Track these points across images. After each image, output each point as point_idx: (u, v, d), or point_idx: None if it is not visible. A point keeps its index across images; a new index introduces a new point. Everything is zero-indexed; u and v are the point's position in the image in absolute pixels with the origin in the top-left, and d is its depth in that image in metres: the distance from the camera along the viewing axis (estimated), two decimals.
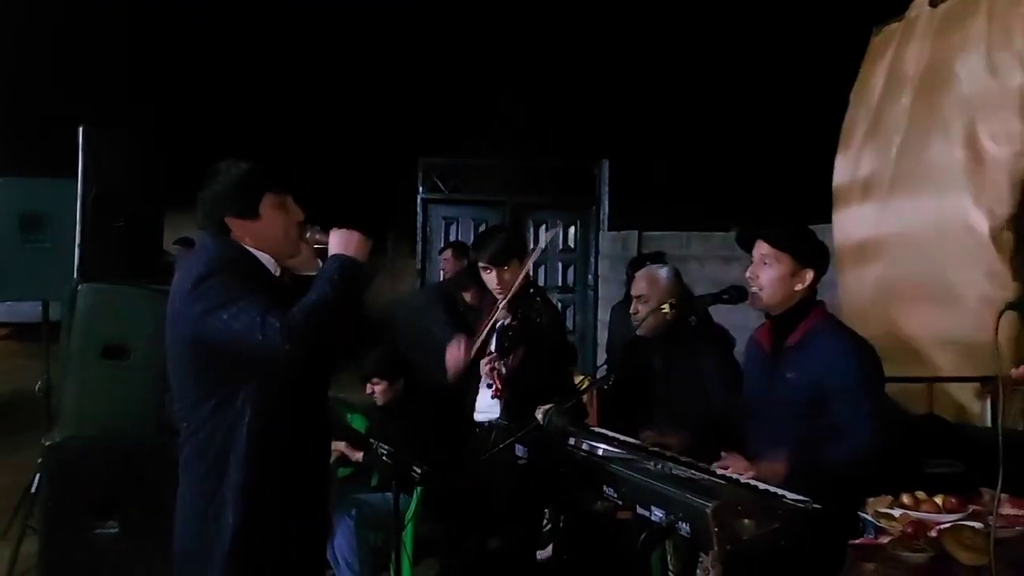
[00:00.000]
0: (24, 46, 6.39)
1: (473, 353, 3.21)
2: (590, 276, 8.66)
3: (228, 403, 2.09)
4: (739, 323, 3.37)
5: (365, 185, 7.61)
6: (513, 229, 3.91)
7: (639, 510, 2.16)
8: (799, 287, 2.61)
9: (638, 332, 3.37)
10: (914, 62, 4.88)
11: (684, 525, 2.02)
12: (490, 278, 3.27)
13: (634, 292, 3.46)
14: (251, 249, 2.20)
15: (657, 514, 2.09)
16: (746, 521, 1.99)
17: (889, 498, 3.01)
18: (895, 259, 4.83)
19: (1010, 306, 2.86)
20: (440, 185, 8.53)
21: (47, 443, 3.75)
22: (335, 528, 3.85)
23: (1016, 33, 4.23)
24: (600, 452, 2.40)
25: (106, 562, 3.61)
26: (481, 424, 3.31)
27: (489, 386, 3.15)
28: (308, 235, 2.29)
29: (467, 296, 4.34)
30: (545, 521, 3.59)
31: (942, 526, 2.69)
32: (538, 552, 3.79)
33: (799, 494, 2.16)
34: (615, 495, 2.27)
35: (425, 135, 8.04)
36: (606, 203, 8.61)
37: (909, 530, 2.72)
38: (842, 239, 5.31)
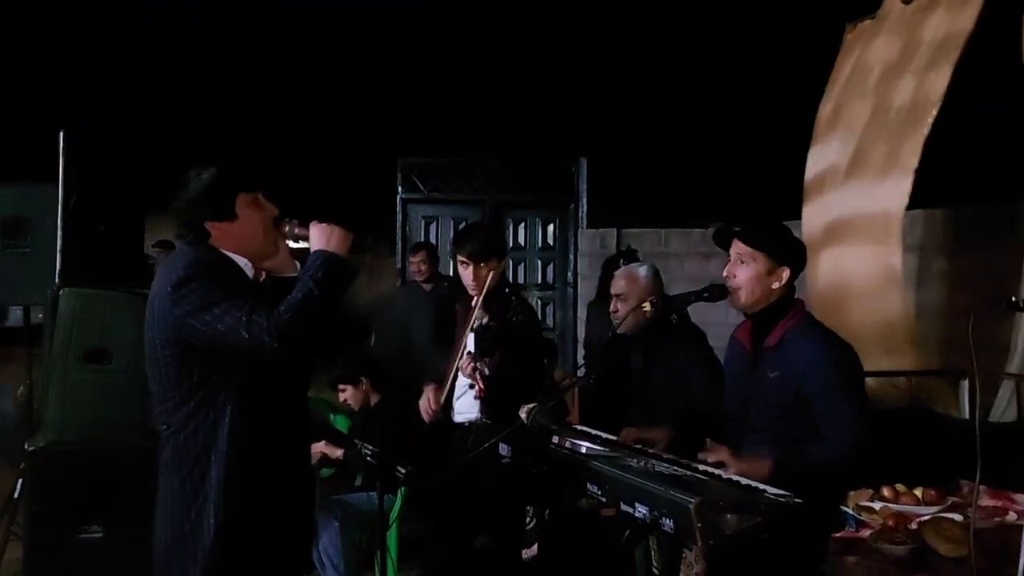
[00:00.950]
0: (2, 50, 6.32)
1: (445, 394, 3.24)
2: (569, 273, 8.70)
3: (209, 404, 2.11)
4: (719, 320, 3.43)
5: (345, 185, 7.60)
6: (495, 227, 3.94)
7: (623, 507, 2.20)
8: (776, 285, 2.64)
9: (618, 330, 3.42)
10: (879, 56, 4.98)
11: (668, 521, 2.06)
12: (466, 273, 3.29)
13: (614, 291, 3.49)
14: (228, 253, 2.22)
15: (641, 511, 2.13)
16: (729, 516, 2.03)
17: (870, 491, 3.07)
18: (848, 247, 4.93)
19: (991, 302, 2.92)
20: (419, 185, 8.55)
21: (30, 448, 3.74)
22: (320, 529, 3.88)
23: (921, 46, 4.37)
24: (583, 450, 2.44)
25: (90, 566, 3.60)
26: (462, 424, 3.34)
27: (472, 387, 3.18)
28: (287, 228, 2.31)
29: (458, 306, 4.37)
30: (529, 519, 3.65)
31: (922, 518, 2.75)
32: (524, 551, 3.85)
33: (784, 489, 2.20)
34: (599, 492, 2.31)
35: (404, 135, 8.04)
36: (584, 201, 8.66)
37: (890, 523, 2.78)
38: (807, 231, 5.41)
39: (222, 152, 2.59)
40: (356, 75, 7.62)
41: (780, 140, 6.18)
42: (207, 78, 7.16)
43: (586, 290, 8.12)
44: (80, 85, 6.41)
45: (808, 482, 2.38)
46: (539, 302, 8.53)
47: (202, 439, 2.11)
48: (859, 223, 4.82)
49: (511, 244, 8.62)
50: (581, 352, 7.44)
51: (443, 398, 3.34)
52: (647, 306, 2.88)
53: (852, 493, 3.06)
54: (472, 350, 3.23)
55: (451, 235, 7.83)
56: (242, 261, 2.24)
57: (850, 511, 2.89)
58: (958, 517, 2.68)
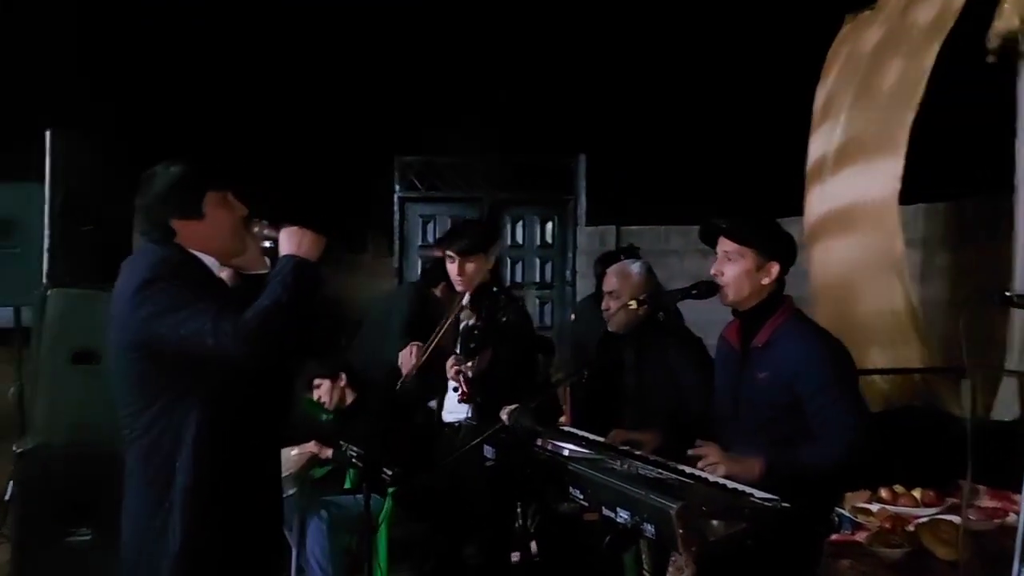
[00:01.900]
0: None
1: (427, 353, 3.18)
2: (568, 272, 8.65)
3: (173, 409, 2.05)
4: (711, 319, 3.36)
5: (341, 185, 7.57)
6: (485, 223, 3.88)
7: (605, 512, 2.16)
8: (765, 281, 2.59)
9: (609, 328, 3.38)
10: (869, 41, 4.93)
11: (649, 527, 2.01)
12: (452, 268, 3.23)
13: (605, 288, 3.44)
14: (195, 252, 2.16)
15: (623, 516, 2.08)
16: (712, 522, 1.98)
17: (867, 492, 3.02)
18: (847, 235, 4.87)
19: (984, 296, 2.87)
20: (416, 183, 8.50)
21: (18, 450, 3.71)
22: (307, 530, 3.84)
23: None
24: (565, 452, 2.39)
25: (79, 569, 3.58)
26: (451, 424, 3.29)
27: (455, 389, 3.13)
28: (256, 229, 2.25)
29: (437, 291, 4.31)
30: (517, 523, 3.59)
31: (920, 520, 2.70)
32: (512, 554, 3.80)
33: (773, 493, 2.15)
34: (581, 496, 2.26)
35: (401, 133, 8.00)
36: (583, 198, 8.61)
37: (886, 525, 2.73)
38: (808, 222, 5.36)
39: (194, 148, 2.54)
40: (352, 73, 7.58)
41: (782, 135, 6.12)
42: (198, 77, 7.12)
43: (585, 288, 8.07)
44: (67, 84, 6.38)
45: (801, 485, 2.32)
46: (537, 301, 8.49)
47: (166, 446, 2.05)
48: (855, 210, 4.75)
49: (509, 242, 8.58)
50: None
51: (424, 356, 3.27)
52: (633, 304, 2.83)
53: (849, 495, 3.01)
54: (457, 351, 3.18)
55: None
56: (209, 260, 2.18)
57: (846, 513, 2.84)
58: (957, 519, 2.63)
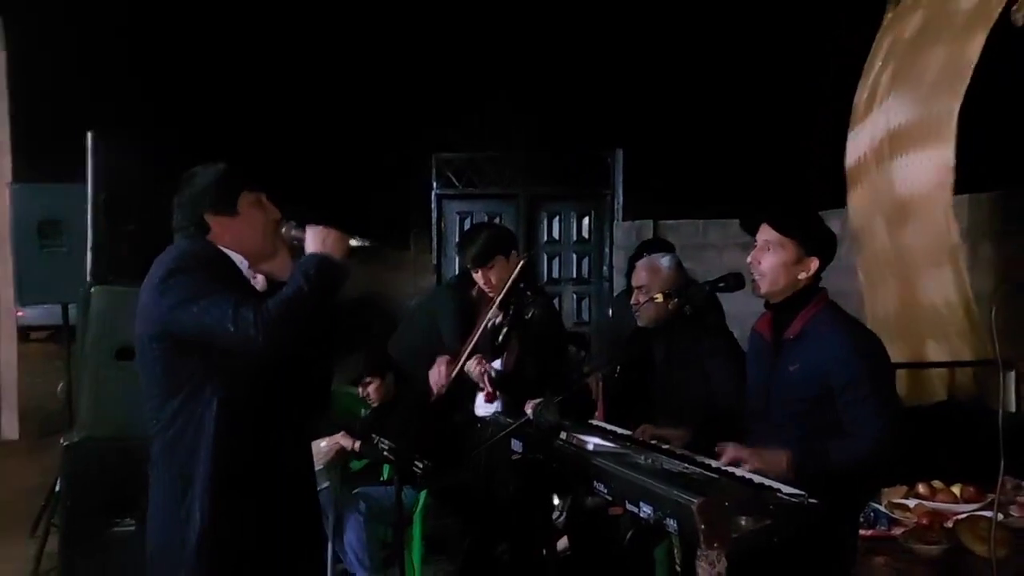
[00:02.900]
0: (36, 54, 6.48)
1: (457, 369, 3.19)
2: (605, 267, 8.62)
3: (195, 400, 2.07)
4: (748, 311, 3.32)
5: (382, 183, 7.64)
6: (495, 226, 3.87)
7: (628, 506, 2.15)
8: (803, 275, 2.54)
9: (639, 323, 3.36)
10: (912, 29, 4.81)
11: (672, 522, 2.00)
12: (477, 277, 3.25)
13: (635, 282, 3.42)
14: (225, 249, 2.19)
15: (646, 510, 2.08)
16: (735, 517, 1.96)
17: (904, 488, 2.96)
18: (900, 228, 4.76)
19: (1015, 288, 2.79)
20: (454, 180, 8.54)
21: (65, 443, 3.82)
22: (344, 522, 3.89)
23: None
24: (590, 447, 2.39)
25: (125, 559, 3.66)
26: (482, 419, 3.32)
27: (481, 389, 3.14)
28: (284, 230, 2.29)
29: (473, 292, 4.34)
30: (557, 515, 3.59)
31: (958, 517, 2.64)
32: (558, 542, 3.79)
33: (804, 488, 2.12)
34: (606, 491, 2.26)
35: (438, 131, 8.04)
36: (620, 193, 8.55)
37: (924, 521, 2.67)
38: (855, 217, 5.25)
39: (234, 149, 2.60)
40: (390, 71, 7.64)
41: (821, 129, 6.02)
42: (239, 78, 7.24)
43: (622, 283, 8.03)
44: (110, 87, 6.54)
45: (830, 480, 2.29)
46: (575, 296, 8.48)
47: (189, 437, 2.08)
48: (907, 202, 4.66)
49: (546, 238, 8.57)
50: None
51: (454, 372, 3.29)
52: (660, 297, 2.81)
53: (886, 490, 2.95)
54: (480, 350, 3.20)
55: None
56: (238, 259, 2.21)
57: (882, 509, 2.78)
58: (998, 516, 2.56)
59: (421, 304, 4.87)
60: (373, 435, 3.30)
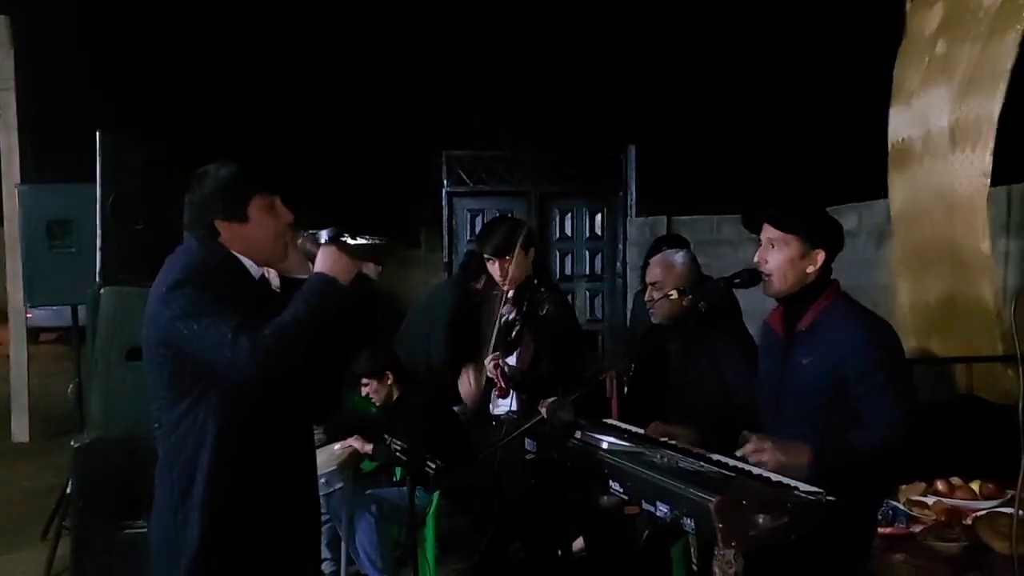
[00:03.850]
0: (45, 53, 6.48)
1: (484, 375, 3.15)
2: (619, 264, 8.56)
3: (199, 407, 2.07)
4: (756, 308, 3.28)
5: (393, 181, 7.63)
6: (515, 219, 3.85)
7: (645, 505, 2.11)
8: (811, 269, 2.50)
9: (653, 320, 3.31)
10: (931, 26, 4.71)
11: (689, 521, 1.96)
12: (493, 269, 3.22)
13: (648, 279, 3.37)
14: (236, 254, 2.18)
15: (662, 509, 2.03)
16: (753, 516, 1.91)
17: (922, 485, 2.90)
18: (928, 223, 4.67)
19: None
20: (464, 177, 8.50)
21: (75, 445, 3.81)
22: (356, 523, 3.86)
23: None
24: (604, 445, 2.34)
25: (136, 561, 3.64)
26: (496, 418, 3.28)
27: (495, 385, 3.11)
28: (299, 242, 2.27)
29: (478, 285, 4.30)
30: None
31: (978, 514, 2.58)
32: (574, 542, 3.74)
33: (821, 485, 2.08)
34: (621, 490, 2.21)
35: (449, 128, 8.02)
36: (633, 189, 8.49)
37: (942, 518, 2.62)
38: (901, 201, 5.11)
39: (244, 150, 2.57)
40: (401, 69, 7.63)
41: (836, 122, 5.96)
42: (250, 78, 7.24)
43: (636, 280, 7.97)
44: (119, 88, 6.54)
45: (849, 475, 2.24)
46: (588, 293, 8.43)
47: (192, 442, 2.07)
48: (942, 204, 4.57)
49: (558, 235, 8.53)
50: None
51: (483, 378, 3.26)
52: (675, 294, 2.76)
53: (904, 487, 2.90)
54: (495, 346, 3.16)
55: None
56: (248, 263, 2.20)
57: (901, 506, 2.73)
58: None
59: (420, 303, 4.83)
60: (385, 436, 3.27)
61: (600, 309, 8.57)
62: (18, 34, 6.58)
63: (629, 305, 6.73)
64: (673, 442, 2.49)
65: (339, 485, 3.80)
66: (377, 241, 2.29)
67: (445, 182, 8.48)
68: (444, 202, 8.47)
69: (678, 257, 3.36)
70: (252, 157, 2.33)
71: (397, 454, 3.29)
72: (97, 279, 3.98)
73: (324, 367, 2.30)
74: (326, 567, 4.03)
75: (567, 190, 8.50)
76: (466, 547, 3.93)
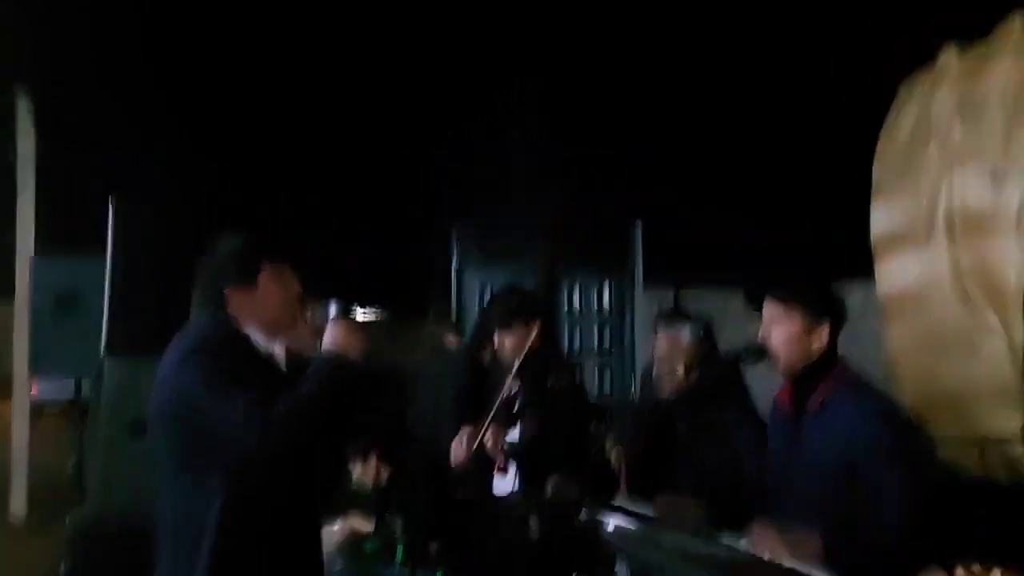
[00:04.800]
0: (61, 122, 6.60)
1: (479, 439, 3.07)
2: (626, 338, 8.50)
3: (203, 482, 2.02)
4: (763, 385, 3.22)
5: (400, 252, 7.65)
6: (521, 288, 3.80)
7: None
8: (816, 344, 2.46)
9: (660, 396, 3.26)
10: (942, 107, 4.78)
11: None
12: (500, 340, 3.16)
13: (656, 353, 3.33)
14: (244, 328, 2.16)
15: None
16: None
17: (943, 572, 2.79)
18: (937, 309, 4.62)
19: None
20: (473, 251, 8.52)
21: (71, 522, 3.73)
22: None
23: None
24: (610, 527, 2.27)
25: None
26: (499, 498, 3.18)
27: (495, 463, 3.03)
28: (309, 315, 2.26)
29: (485, 354, 4.23)
30: None
31: None
32: None
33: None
34: (627, 573, 2.14)
35: (457, 199, 8.08)
36: (641, 262, 8.50)
37: None
38: (887, 291, 5.11)
39: (253, 220, 2.58)
40: (408, 142, 7.73)
41: (845, 197, 5.96)
42: (262, 146, 7.33)
43: (645, 354, 7.90)
44: (128, 154, 6.61)
45: (862, 561, 2.16)
46: (596, 368, 8.34)
47: (195, 520, 2.01)
48: (956, 287, 4.53)
49: (566, 308, 8.50)
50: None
51: (476, 444, 3.16)
52: (680, 370, 2.71)
53: (922, 574, 2.80)
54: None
55: None
56: (257, 336, 2.17)
57: None
58: None
59: (427, 375, 4.78)
60: (386, 515, 3.19)
61: (609, 384, 8.47)
62: (38, 105, 6.68)
63: (638, 380, 6.64)
64: (676, 522, 2.40)
65: (339, 567, 3.68)
66: (381, 316, 2.28)
67: (454, 254, 8.50)
68: (453, 275, 8.45)
69: (685, 331, 3.32)
70: (263, 226, 2.35)
71: (395, 535, 3.22)
72: (103, 351, 3.97)
73: (332, 446, 2.26)
74: None
75: (575, 263, 8.51)
76: None
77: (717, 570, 1.92)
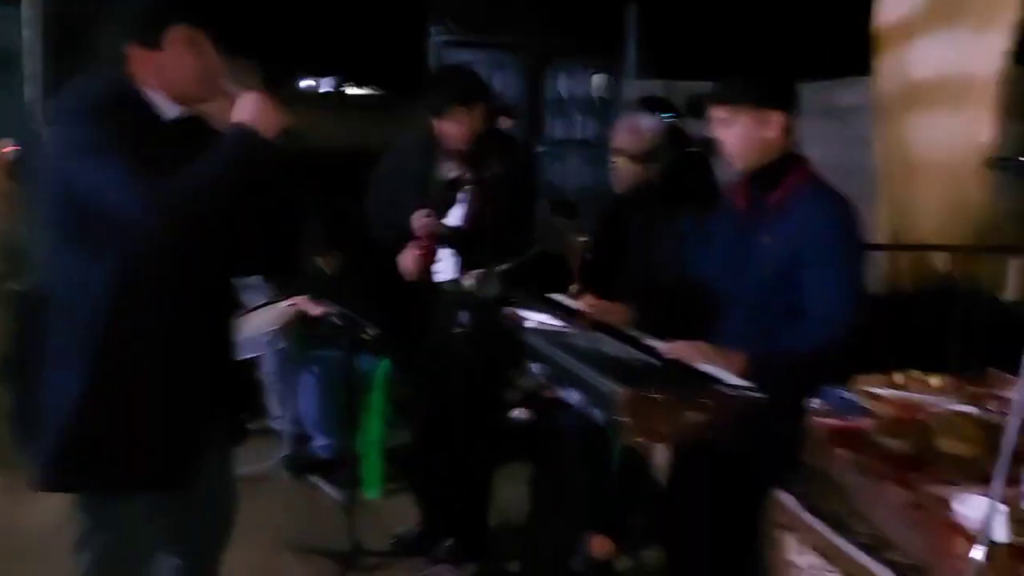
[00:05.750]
0: None
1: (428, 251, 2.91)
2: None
3: (90, 258, 1.84)
4: None
5: (375, 27, 7.14)
6: (459, 70, 3.49)
7: (560, 391, 1.95)
8: (770, 134, 2.24)
9: (615, 191, 3.08)
10: None
11: (597, 411, 1.79)
12: (439, 129, 2.92)
13: (614, 143, 3.10)
14: (146, 89, 1.92)
15: (573, 397, 1.87)
16: (669, 410, 1.74)
17: (880, 376, 2.76)
18: (931, 114, 4.34)
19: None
20: (453, 27, 7.97)
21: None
22: (299, 386, 3.77)
23: None
24: (528, 324, 2.15)
25: None
26: (440, 285, 3.07)
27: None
28: (220, 80, 2.00)
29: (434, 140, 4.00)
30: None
31: (933, 410, 2.46)
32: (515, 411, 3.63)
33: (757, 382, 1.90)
34: (540, 373, 2.04)
35: None
36: (632, 51, 8.00)
37: (896, 413, 2.49)
38: (884, 89, 4.78)
39: None
40: None
41: None
42: None
43: None
44: None
45: (785, 371, 2.07)
46: (578, 159, 8.09)
47: (79, 301, 1.86)
48: (946, 87, 4.22)
49: (552, 96, 8.12)
50: None
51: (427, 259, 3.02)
52: (626, 160, 2.50)
53: (860, 377, 2.76)
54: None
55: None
56: (159, 99, 1.93)
57: (854, 398, 2.60)
58: (975, 411, 2.39)
59: (388, 161, 4.54)
60: (334, 299, 3.13)
61: (593, 174, 8.23)
62: None
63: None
64: (605, 323, 2.28)
65: (281, 346, 3.68)
66: (380, 93, 2.01)
67: (432, 31, 7.94)
68: (431, 53, 7.96)
69: (646, 122, 3.08)
70: None
71: (334, 320, 3.16)
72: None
73: (248, 231, 2.06)
74: (278, 425, 3.98)
75: (563, 47, 8.01)
76: (412, 417, 3.84)
77: (623, 374, 1.80)
